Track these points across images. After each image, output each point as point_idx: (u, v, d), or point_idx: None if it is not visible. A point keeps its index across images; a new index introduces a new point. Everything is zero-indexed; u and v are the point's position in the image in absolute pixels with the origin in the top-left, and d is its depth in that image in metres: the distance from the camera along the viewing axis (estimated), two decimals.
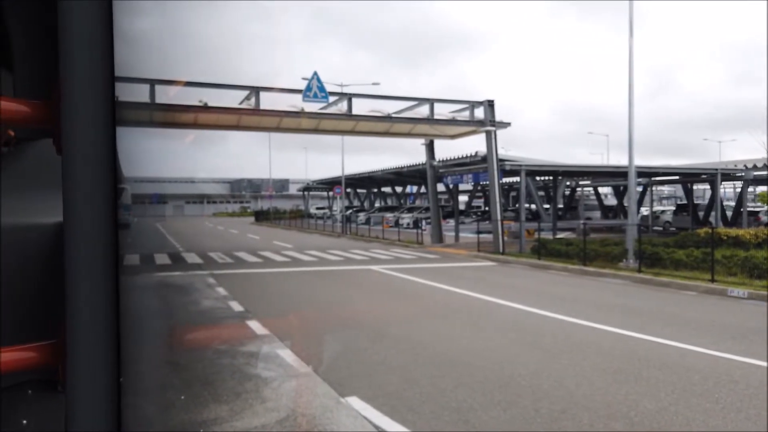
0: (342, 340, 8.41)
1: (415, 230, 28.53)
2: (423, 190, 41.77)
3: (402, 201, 48.23)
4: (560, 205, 32.56)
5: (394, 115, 22.32)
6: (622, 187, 34.94)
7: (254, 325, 9.22)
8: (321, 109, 21.64)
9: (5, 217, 1.51)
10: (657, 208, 40.73)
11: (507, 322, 9.49)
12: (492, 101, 22.32)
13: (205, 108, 18.80)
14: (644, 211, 35.33)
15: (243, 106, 19.79)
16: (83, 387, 0.89)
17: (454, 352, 7.47)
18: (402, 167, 36.89)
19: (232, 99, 20.11)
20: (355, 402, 5.64)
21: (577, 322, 9.45)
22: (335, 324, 9.59)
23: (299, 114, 20.85)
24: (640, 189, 31.86)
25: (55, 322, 1.45)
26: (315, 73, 20.39)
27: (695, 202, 34.29)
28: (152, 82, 17.35)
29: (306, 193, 63.60)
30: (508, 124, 22.94)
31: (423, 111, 22.30)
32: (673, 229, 31.94)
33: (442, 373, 6.58)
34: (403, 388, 6.03)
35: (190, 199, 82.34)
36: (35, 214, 1.53)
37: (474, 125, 22.57)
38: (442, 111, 22.64)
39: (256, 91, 19.48)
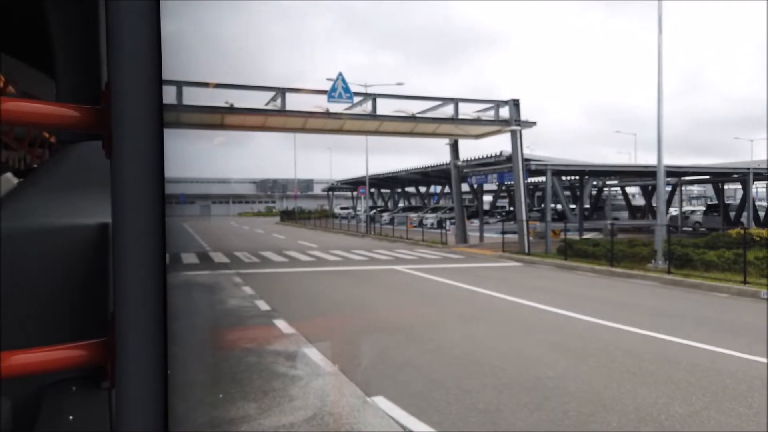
0: (367, 339, 8.44)
1: (439, 230, 28.45)
2: (447, 190, 41.65)
3: (426, 201, 48.14)
4: (586, 205, 32.16)
5: (418, 115, 22.31)
6: (650, 187, 34.38)
7: (281, 324, 9.30)
8: (346, 109, 21.73)
9: (50, 218, 1.56)
10: (686, 208, 39.99)
11: (533, 324, 9.41)
12: (517, 101, 22.15)
13: (232, 109, 19.01)
14: (673, 211, 34.72)
15: (269, 107, 19.97)
16: (132, 386, 0.92)
17: (480, 353, 7.44)
18: (426, 167, 36.85)
19: (258, 100, 20.32)
20: (381, 402, 5.65)
21: (605, 323, 9.33)
22: (360, 324, 9.62)
23: (324, 115, 20.96)
24: (668, 189, 31.31)
25: (101, 320, 1.49)
26: (340, 74, 20.49)
27: (726, 202, 33.57)
28: (179, 84, 17.62)
29: (330, 193, 63.90)
30: (534, 123, 22.75)
31: (447, 111, 22.24)
32: (704, 229, 31.30)
33: (467, 374, 6.55)
34: (429, 389, 6.03)
35: (216, 199, 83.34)
36: (79, 214, 1.57)
37: (499, 125, 22.43)
38: (466, 111, 22.55)
39: (281, 92, 19.64)
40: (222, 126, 21.64)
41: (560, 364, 6.93)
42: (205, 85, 18.78)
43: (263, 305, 11.08)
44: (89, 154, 1.69)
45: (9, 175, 1.68)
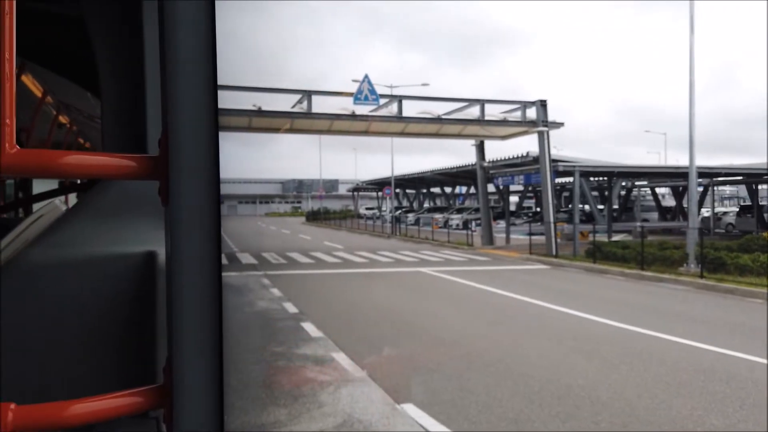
0: (395, 344, 8.44)
1: (464, 231, 28.32)
2: (472, 190, 41.43)
3: (451, 202, 47.96)
4: (615, 206, 31.68)
5: (444, 117, 22.23)
6: (681, 188, 33.71)
7: (309, 328, 9.35)
8: (371, 111, 21.77)
9: (97, 246, 1.58)
10: (719, 209, 39.11)
11: (563, 329, 9.31)
12: (545, 101, 21.92)
13: (259, 112, 19.19)
14: (705, 212, 33.99)
15: (295, 109, 20.11)
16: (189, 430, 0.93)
17: (510, 360, 7.38)
18: (451, 168, 36.71)
19: (284, 102, 20.48)
20: (410, 409, 5.65)
21: (636, 330, 9.18)
22: (387, 327, 9.62)
23: (350, 117, 21.03)
24: (700, 189, 30.67)
25: (149, 352, 1.51)
26: (366, 76, 20.53)
27: (760, 203, 32.74)
28: None
29: (355, 193, 64.06)
30: (561, 124, 22.50)
31: (473, 112, 22.12)
32: (737, 231, 30.59)
33: (497, 381, 6.51)
34: (459, 397, 6.01)
35: (242, 200, 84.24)
36: (125, 242, 1.60)
37: (526, 126, 22.23)
38: (492, 112, 22.40)
39: (308, 94, 19.76)
40: (249, 128, 21.87)
41: (591, 372, 6.84)
42: (237, 88, 18.99)
43: (291, 308, 11.16)
44: (132, 183, 1.72)
45: (57, 201, 1.72)
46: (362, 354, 7.81)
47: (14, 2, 0.82)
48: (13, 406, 0.90)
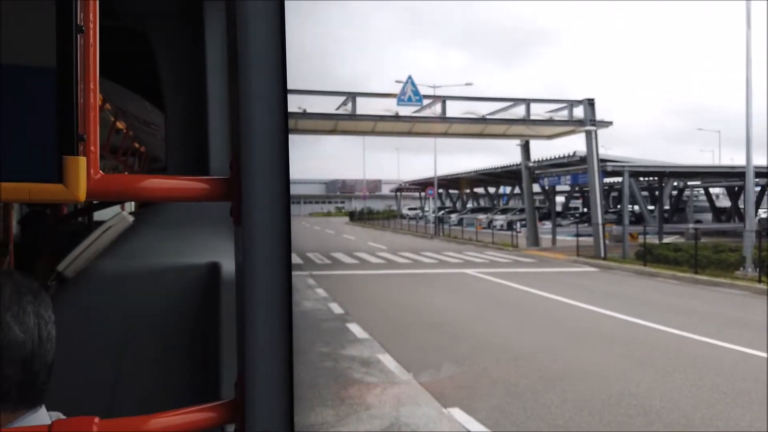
0: (440, 347, 8.40)
1: (509, 232, 27.98)
2: (517, 191, 40.90)
3: (495, 202, 47.47)
4: (666, 207, 30.74)
5: (488, 117, 22.03)
6: (736, 188, 32.45)
7: (354, 329, 9.41)
8: (415, 112, 21.76)
9: (163, 258, 1.63)
10: None
11: (613, 335, 9.09)
12: (592, 100, 21.45)
13: (305, 114, 19.44)
14: (763, 213, 32.60)
15: (340, 111, 20.28)
16: None
17: (558, 366, 7.26)
18: (495, 168, 36.35)
19: (329, 104, 20.68)
20: (458, 414, 5.62)
21: (691, 336, 8.88)
22: (433, 330, 9.59)
23: (394, 118, 21.08)
24: (757, 189, 29.44)
25: (213, 359, 1.55)
26: (409, 77, 20.53)
27: None
28: None
29: (398, 193, 64.16)
30: (610, 123, 21.98)
31: (518, 111, 21.84)
32: None
33: (546, 387, 6.41)
34: (507, 402, 5.94)
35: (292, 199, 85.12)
36: (190, 254, 1.64)
37: (573, 125, 21.80)
38: (538, 111, 22.06)
39: (352, 96, 19.90)
40: (295, 130, 22.15)
41: (644, 380, 6.66)
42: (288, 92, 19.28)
43: (337, 308, 11.25)
44: None
45: (125, 213, 1.78)
46: (408, 356, 7.81)
47: (98, 35, 0.86)
48: (97, 420, 0.93)
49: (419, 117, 21.64)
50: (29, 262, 3.83)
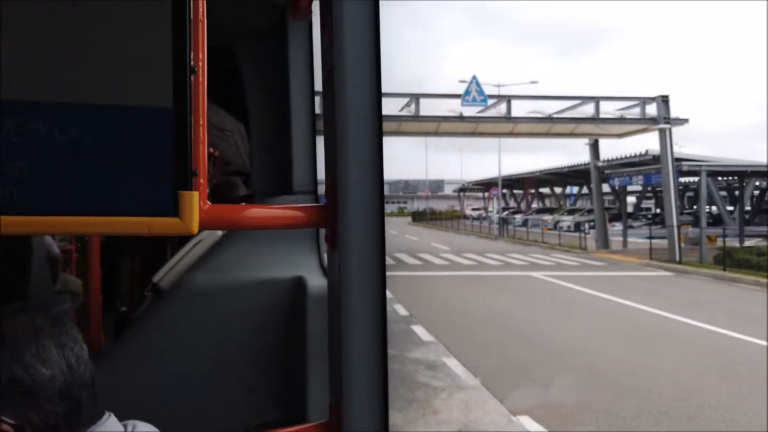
0: (507, 351, 8.28)
1: (576, 234, 27.22)
2: (584, 191, 39.73)
3: (562, 203, 46.30)
4: (747, 208, 29.06)
5: (555, 116, 21.52)
6: None
7: (419, 331, 9.42)
8: (479, 112, 21.54)
9: (250, 271, 1.70)
10: None
11: (691, 344, 8.69)
12: (666, 97, 20.57)
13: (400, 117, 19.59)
14: None
15: (403, 113, 20.33)
16: None
17: (632, 375, 7.00)
18: (562, 167, 35.44)
19: (393, 106, 20.75)
20: (527, 422, 5.52)
21: None
22: (498, 334, 9.47)
23: (457, 118, 20.94)
24: None
25: (299, 370, 1.59)
26: (474, 78, 20.34)
27: None
28: (317, 93, 18.49)
29: (461, 194, 63.66)
30: (686, 120, 21.01)
31: (587, 110, 21.22)
32: None
33: (619, 397, 6.20)
34: (578, 412, 5.79)
35: None
36: (275, 268, 1.70)
37: (645, 123, 20.97)
38: (608, 109, 21.36)
39: (415, 98, 19.91)
40: (398, 133, 22.37)
41: (725, 393, 6.33)
42: None
43: (401, 310, 11.28)
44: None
45: None
46: (474, 360, 7.74)
47: (206, 74, 0.90)
48: None
49: (483, 117, 21.41)
50: (116, 269, 4.05)
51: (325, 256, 1.81)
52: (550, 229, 33.83)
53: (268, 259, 1.71)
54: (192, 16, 0.85)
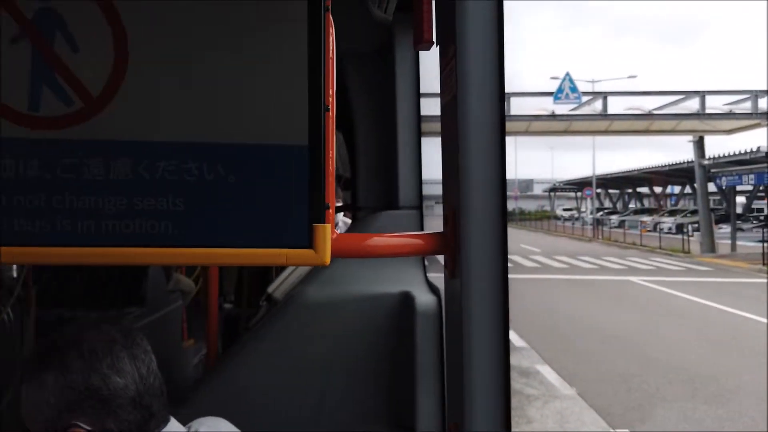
0: (604, 361, 7.97)
1: (678, 236, 25.69)
2: (687, 190, 37.44)
3: (662, 203, 43.87)
4: None
5: (655, 112, 20.44)
6: None
7: (511, 336, 9.25)
8: (572, 109, 20.86)
9: (358, 285, 1.74)
10: None
11: None
12: None
13: None
14: None
15: None
16: None
17: (745, 392, 6.53)
18: (663, 165, 33.58)
19: None
20: None
21: None
22: (595, 341, 9.12)
23: (549, 117, 20.38)
24: None
25: (408, 385, 1.62)
26: (567, 74, 19.71)
27: None
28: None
29: (552, 193, 61.86)
30: None
31: (691, 105, 19.99)
32: None
33: (730, 414, 5.80)
34: (683, 429, 5.47)
35: (438, 200, 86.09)
36: (383, 282, 1.73)
37: (758, 118, 19.47)
38: (714, 104, 20.02)
39: (506, 97, 19.58)
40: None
41: None
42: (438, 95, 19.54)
43: None
44: (386, 223, 1.86)
45: None
46: (569, 368, 7.51)
47: (335, 110, 0.94)
48: None
49: (577, 115, 20.71)
50: (227, 273, 4.27)
51: (424, 271, 1.83)
52: (649, 231, 32.16)
53: (375, 273, 1.75)
54: (325, 56, 0.89)
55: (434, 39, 1.02)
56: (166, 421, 1.09)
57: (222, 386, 1.66)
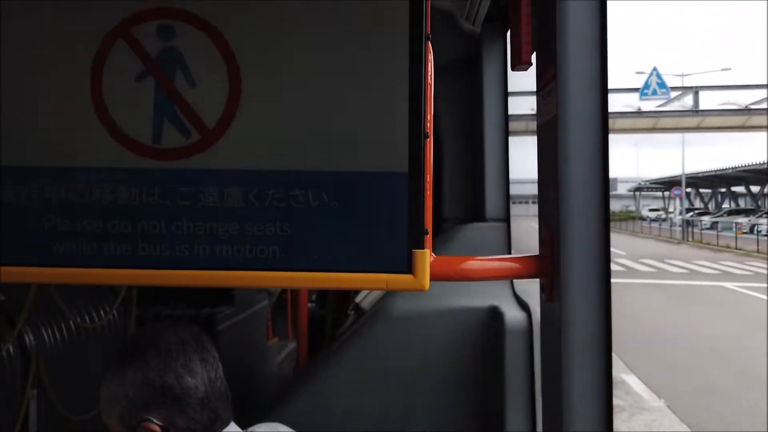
0: (696, 372, 7.55)
1: None
2: None
3: (760, 203, 40.96)
4: None
5: (753, 107, 19.16)
6: None
7: None
8: (659, 106, 19.90)
9: (449, 299, 1.75)
10: None
11: None
12: None
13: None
14: None
15: None
16: None
17: None
18: (761, 163, 31.36)
19: None
20: None
21: None
22: (684, 350, 8.66)
23: (635, 114, 19.55)
24: None
25: (498, 399, 1.61)
26: (654, 69, 18.82)
27: None
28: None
29: (637, 193, 59.25)
30: None
31: None
32: None
33: None
34: None
35: (516, 200, 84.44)
36: (472, 297, 1.73)
37: None
38: None
39: None
40: (526, 132, 21.84)
41: None
42: (520, 93, 19.22)
43: None
44: (472, 235, 1.86)
45: None
46: (657, 379, 7.17)
47: (432, 136, 0.95)
48: None
49: (665, 111, 19.75)
50: None
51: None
52: (745, 233, 30.10)
53: (463, 287, 1.75)
54: (425, 84, 0.91)
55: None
56: (228, 423, 1.14)
57: (309, 395, 1.70)
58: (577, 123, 0.94)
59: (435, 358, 1.68)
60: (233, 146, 0.88)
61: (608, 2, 0.95)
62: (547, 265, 1.01)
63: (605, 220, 0.95)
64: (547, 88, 1.01)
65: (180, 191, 0.87)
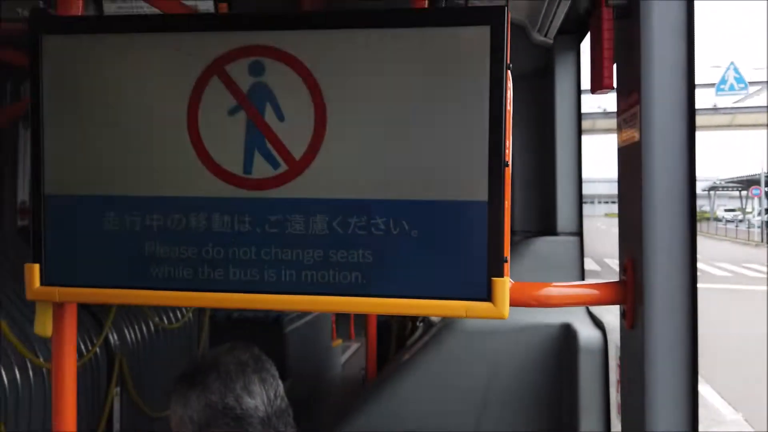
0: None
1: None
2: None
3: None
4: None
5: None
6: None
7: None
8: (737, 101, 18.90)
9: (519, 314, 1.74)
10: None
11: None
12: None
13: (605, 114, 18.51)
14: None
15: None
16: None
17: None
18: None
19: None
20: None
21: None
22: (763, 361, 8.19)
23: (710, 111, 18.65)
24: None
25: (569, 408, 1.59)
26: (731, 63, 17.87)
27: None
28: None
29: (711, 192, 56.44)
30: None
31: None
32: None
33: None
34: None
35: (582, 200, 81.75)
36: (544, 314, 1.72)
37: None
38: None
39: None
40: (592, 131, 21.26)
41: None
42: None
43: None
44: (543, 249, 1.84)
45: None
46: (734, 391, 6.83)
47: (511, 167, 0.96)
48: None
49: (743, 108, 18.74)
50: None
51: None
52: None
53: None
54: (505, 110, 0.91)
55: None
56: None
57: (380, 409, 1.73)
58: (662, 150, 0.92)
59: (504, 375, 1.68)
60: (318, 176, 0.91)
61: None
62: (629, 292, 0.99)
63: (692, 248, 0.93)
64: (629, 112, 1.00)
65: (269, 219, 0.92)
